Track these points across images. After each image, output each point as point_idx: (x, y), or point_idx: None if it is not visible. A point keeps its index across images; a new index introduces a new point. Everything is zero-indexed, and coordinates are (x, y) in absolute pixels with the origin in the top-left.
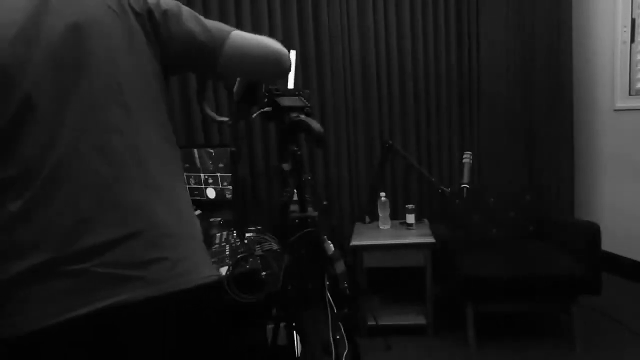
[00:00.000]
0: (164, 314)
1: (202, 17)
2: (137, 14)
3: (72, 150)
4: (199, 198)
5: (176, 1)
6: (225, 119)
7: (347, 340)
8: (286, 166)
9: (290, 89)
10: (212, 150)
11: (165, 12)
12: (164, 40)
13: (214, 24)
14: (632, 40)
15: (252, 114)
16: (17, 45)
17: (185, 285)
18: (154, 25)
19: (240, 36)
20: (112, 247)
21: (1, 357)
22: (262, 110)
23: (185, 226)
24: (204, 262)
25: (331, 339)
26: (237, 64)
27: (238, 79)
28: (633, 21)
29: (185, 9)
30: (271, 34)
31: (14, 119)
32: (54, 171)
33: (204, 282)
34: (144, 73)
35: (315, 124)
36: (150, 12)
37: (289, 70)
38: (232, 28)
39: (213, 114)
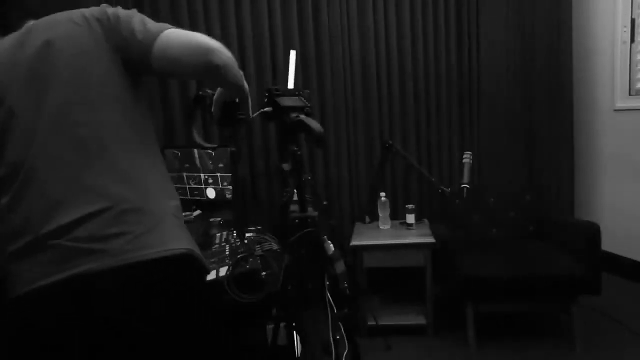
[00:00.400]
0: (123, 283)
1: (150, 20)
2: (99, 21)
3: (45, 146)
4: (198, 198)
5: (133, 10)
6: (214, 145)
7: (347, 340)
8: (286, 166)
9: (290, 89)
10: (212, 151)
11: (118, 18)
12: (119, 43)
13: (155, 24)
14: (632, 40)
15: (236, 132)
16: (6, 70)
17: (142, 258)
18: (112, 30)
19: (173, 33)
20: (80, 225)
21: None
22: (262, 110)
23: (152, 203)
24: (171, 236)
25: (331, 339)
26: (165, 58)
27: (214, 100)
28: (633, 21)
29: (137, 15)
30: (271, 34)
31: (1, 130)
32: (31, 166)
33: (163, 255)
34: (108, 73)
35: (315, 124)
36: (108, 19)
37: (218, 66)
38: (172, 27)
39: (201, 141)
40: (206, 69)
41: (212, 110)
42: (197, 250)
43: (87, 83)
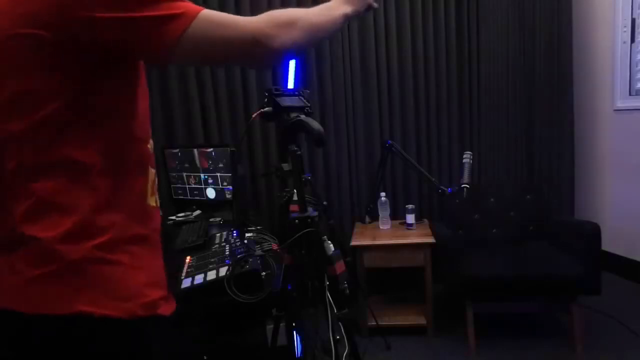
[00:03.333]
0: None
1: None
2: None
3: None
4: (198, 198)
5: None
6: None
7: (347, 340)
8: (286, 166)
9: (290, 89)
10: (212, 150)
11: None
12: None
13: None
14: (632, 40)
15: None
16: None
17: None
18: None
19: None
20: None
21: None
22: (262, 110)
23: None
24: None
25: (331, 339)
26: None
27: None
28: (633, 21)
29: None
30: None
31: None
32: None
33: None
34: None
35: (315, 124)
36: None
37: None
38: None
39: None
40: None
41: None
42: None
43: None
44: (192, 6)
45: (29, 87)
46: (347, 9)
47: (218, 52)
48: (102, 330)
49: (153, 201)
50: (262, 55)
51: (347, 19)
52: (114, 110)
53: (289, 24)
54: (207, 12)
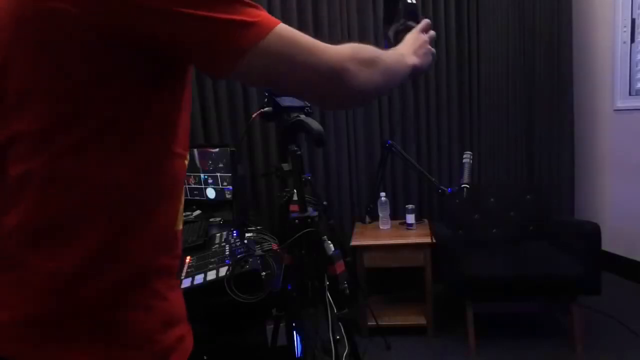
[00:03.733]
0: None
1: None
2: None
3: None
4: (198, 198)
5: None
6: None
7: (347, 340)
8: (286, 166)
9: None
10: (212, 150)
11: None
12: None
13: None
14: (632, 40)
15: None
16: None
17: None
18: None
19: None
20: None
21: None
22: (262, 110)
23: None
24: None
25: (331, 339)
26: None
27: None
28: (633, 21)
29: None
30: None
31: None
32: None
33: None
34: None
35: (315, 124)
36: None
37: None
38: None
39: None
40: None
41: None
42: None
43: None
44: (269, 17)
45: (44, 82)
46: (415, 60)
47: (289, 77)
48: None
49: (181, 224)
50: (339, 93)
51: (412, 71)
52: (153, 119)
53: (372, 62)
54: (284, 27)
